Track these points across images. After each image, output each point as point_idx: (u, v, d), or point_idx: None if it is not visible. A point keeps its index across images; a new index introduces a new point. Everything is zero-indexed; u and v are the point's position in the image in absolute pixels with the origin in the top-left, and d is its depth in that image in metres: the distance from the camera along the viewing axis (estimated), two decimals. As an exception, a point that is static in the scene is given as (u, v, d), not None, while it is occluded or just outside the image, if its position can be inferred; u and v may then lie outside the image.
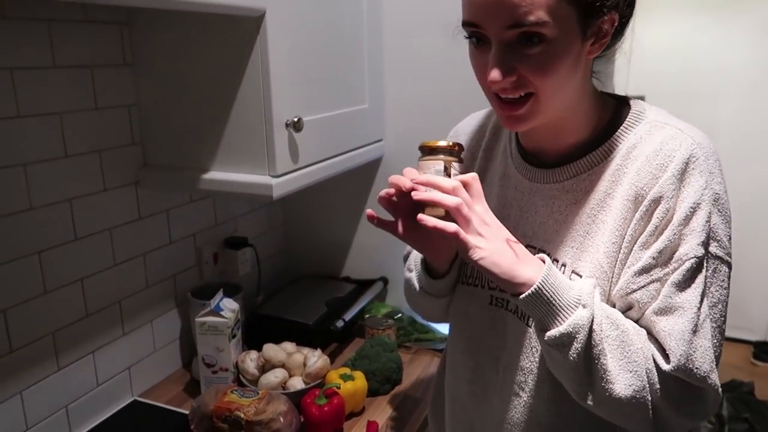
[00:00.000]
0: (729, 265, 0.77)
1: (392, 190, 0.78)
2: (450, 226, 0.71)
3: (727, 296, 0.77)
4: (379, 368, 1.39)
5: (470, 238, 0.72)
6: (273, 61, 1.15)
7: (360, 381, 1.32)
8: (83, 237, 1.21)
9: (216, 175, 1.24)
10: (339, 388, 1.27)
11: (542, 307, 0.72)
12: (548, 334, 0.73)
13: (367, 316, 1.62)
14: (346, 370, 1.34)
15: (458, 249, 0.73)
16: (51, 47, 1.10)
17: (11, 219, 1.08)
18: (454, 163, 0.78)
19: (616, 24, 0.76)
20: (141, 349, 1.39)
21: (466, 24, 0.75)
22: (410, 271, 0.97)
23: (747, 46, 3.20)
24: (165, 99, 1.26)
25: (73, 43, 1.14)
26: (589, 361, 0.72)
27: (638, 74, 3.34)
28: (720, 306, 0.76)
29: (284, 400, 1.20)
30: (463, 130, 1.00)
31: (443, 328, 1.58)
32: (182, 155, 1.27)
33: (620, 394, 0.72)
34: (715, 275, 0.75)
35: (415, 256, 0.96)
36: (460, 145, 0.80)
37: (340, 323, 1.54)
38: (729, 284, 0.77)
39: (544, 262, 0.74)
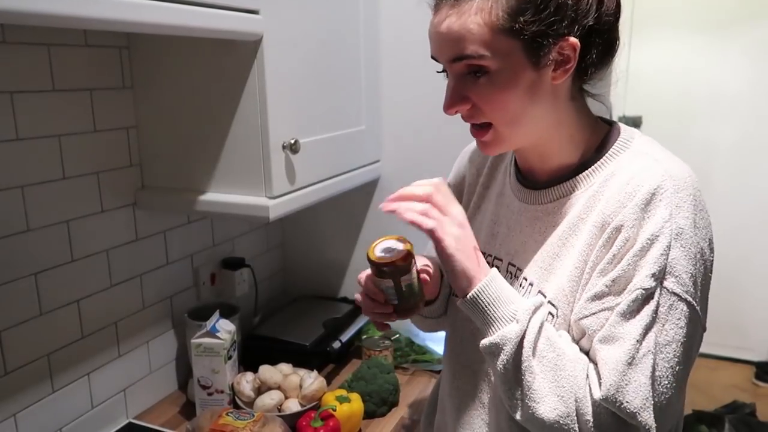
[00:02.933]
0: (689, 305, 0.72)
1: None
2: (427, 223, 0.76)
3: (685, 337, 0.72)
4: (375, 390, 1.38)
5: (443, 235, 0.77)
6: (270, 84, 1.16)
7: (356, 403, 1.31)
8: (80, 258, 1.22)
9: (213, 196, 1.25)
10: (335, 410, 1.26)
11: (479, 314, 0.78)
12: (483, 341, 0.77)
13: (364, 337, 1.62)
14: (343, 392, 1.33)
15: (432, 239, 0.77)
16: (51, 71, 1.12)
17: (8, 241, 1.08)
18: (402, 277, 0.81)
19: (578, 48, 0.75)
20: (136, 370, 1.38)
21: (432, 57, 0.82)
22: None
23: (744, 67, 3.22)
24: (163, 121, 1.27)
25: (72, 67, 1.16)
26: (516, 374, 0.74)
27: (635, 96, 3.38)
28: (674, 346, 0.72)
29: (280, 423, 1.19)
30: (474, 148, 1.04)
31: (440, 350, 1.57)
32: (180, 177, 1.28)
33: (543, 416, 0.73)
34: (671, 312, 0.72)
35: None
36: (407, 255, 0.80)
37: (336, 344, 1.54)
38: (689, 325, 0.73)
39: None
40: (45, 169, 1.13)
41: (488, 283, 0.77)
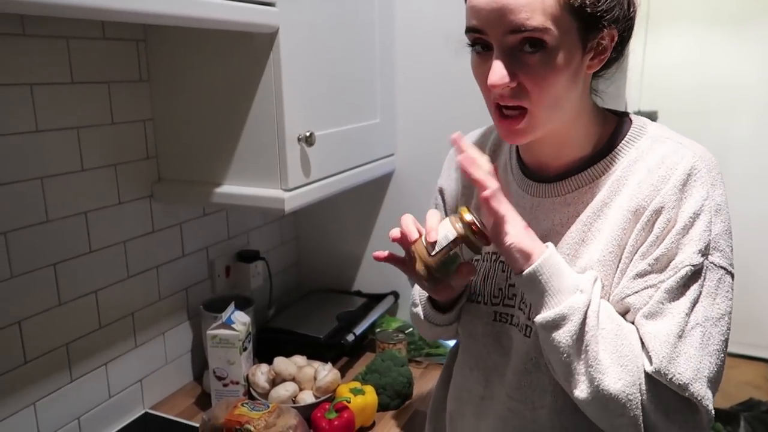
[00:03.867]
0: (733, 277, 0.76)
1: (398, 234, 0.81)
2: (486, 190, 0.74)
3: (731, 308, 0.76)
4: (389, 383, 1.38)
5: (498, 206, 0.75)
6: (286, 76, 1.16)
7: (370, 395, 1.32)
8: (98, 249, 1.23)
9: (229, 188, 1.25)
10: (349, 402, 1.27)
11: (540, 286, 0.75)
12: (543, 314, 0.75)
13: (378, 330, 1.62)
14: (357, 384, 1.33)
15: (485, 210, 0.75)
16: (69, 64, 1.13)
17: (28, 231, 1.10)
18: (465, 245, 0.79)
19: (615, 40, 0.77)
20: (153, 361, 1.40)
21: (469, 30, 0.75)
22: (415, 306, 0.99)
23: (761, 61, 3.18)
24: (180, 114, 1.28)
25: (90, 60, 1.17)
26: (580, 346, 0.73)
27: (651, 90, 3.35)
28: (726, 318, 0.75)
29: (294, 414, 1.19)
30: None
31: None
32: (196, 169, 1.29)
33: (609, 387, 0.72)
34: (720, 286, 0.75)
35: (419, 291, 0.98)
36: (485, 242, 0.79)
37: (350, 337, 1.54)
38: (733, 297, 0.77)
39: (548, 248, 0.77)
40: (64, 160, 1.14)
41: (550, 255, 0.75)
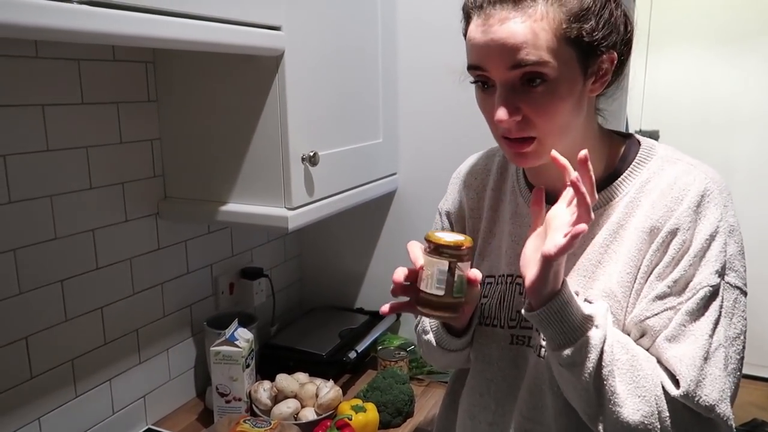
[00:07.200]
0: (746, 296, 0.78)
1: (398, 282, 0.79)
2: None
3: (746, 327, 0.78)
4: (391, 400, 1.39)
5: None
6: (290, 98, 1.19)
7: (372, 413, 1.32)
8: (104, 266, 1.25)
9: (233, 207, 1.27)
10: (351, 419, 1.27)
11: (555, 324, 0.73)
12: (559, 351, 0.74)
13: (380, 347, 1.63)
14: (358, 402, 1.34)
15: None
16: (80, 85, 1.16)
17: (36, 248, 1.12)
18: (459, 264, 0.76)
19: (615, 62, 0.78)
20: (157, 377, 1.41)
21: (471, 68, 0.77)
22: (426, 332, 0.95)
23: (762, 80, 3.20)
24: (186, 133, 1.31)
25: (100, 81, 1.20)
26: (598, 382, 0.73)
27: (652, 109, 3.37)
28: (742, 337, 0.77)
29: (296, 431, 1.20)
30: (466, 171, 1.01)
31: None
32: (201, 188, 1.31)
33: (628, 419, 0.72)
34: (736, 306, 0.76)
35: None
36: (469, 244, 0.77)
37: (352, 354, 1.55)
38: (746, 314, 0.78)
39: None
40: (73, 179, 1.17)
41: (562, 290, 0.73)
